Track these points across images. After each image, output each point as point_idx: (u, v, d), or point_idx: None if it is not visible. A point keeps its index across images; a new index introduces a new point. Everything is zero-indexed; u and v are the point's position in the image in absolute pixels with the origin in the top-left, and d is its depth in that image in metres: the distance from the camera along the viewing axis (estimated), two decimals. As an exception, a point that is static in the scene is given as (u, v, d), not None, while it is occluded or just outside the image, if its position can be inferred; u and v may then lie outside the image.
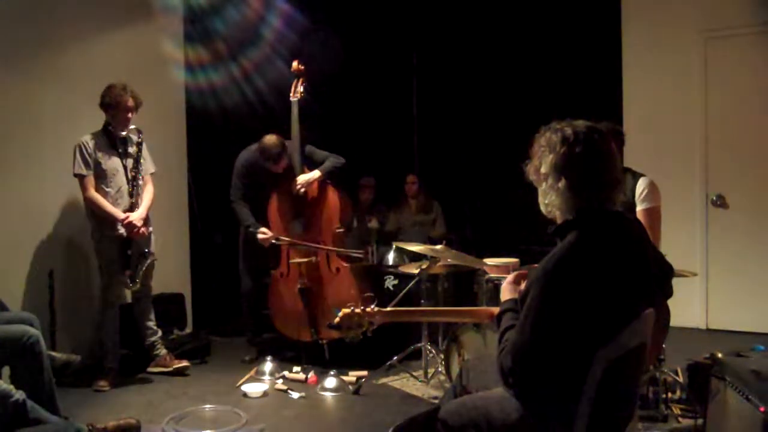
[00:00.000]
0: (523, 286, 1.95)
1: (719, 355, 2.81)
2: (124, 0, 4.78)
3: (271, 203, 4.50)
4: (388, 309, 2.32)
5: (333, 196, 4.41)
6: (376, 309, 2.21)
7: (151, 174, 4.23)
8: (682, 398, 3.47)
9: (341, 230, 4.43)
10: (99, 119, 4.05)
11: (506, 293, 2.03)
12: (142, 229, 3.98)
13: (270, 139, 4.32)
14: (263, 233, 4.35)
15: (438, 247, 3.83)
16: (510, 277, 2.09)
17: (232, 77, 5.56)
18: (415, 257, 4.60)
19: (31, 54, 4.07)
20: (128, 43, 4.72)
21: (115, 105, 3.94)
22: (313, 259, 4.35)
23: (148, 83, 4.44)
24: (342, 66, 5.75)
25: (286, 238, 4.37)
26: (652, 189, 3.35)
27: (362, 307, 2.20)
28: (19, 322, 3.15)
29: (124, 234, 3.96)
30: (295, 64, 4.55)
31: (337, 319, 2.19)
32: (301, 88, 4.48)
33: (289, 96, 4.48)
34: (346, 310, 2.20)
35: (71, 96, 4.28)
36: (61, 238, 4.30)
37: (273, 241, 4.35)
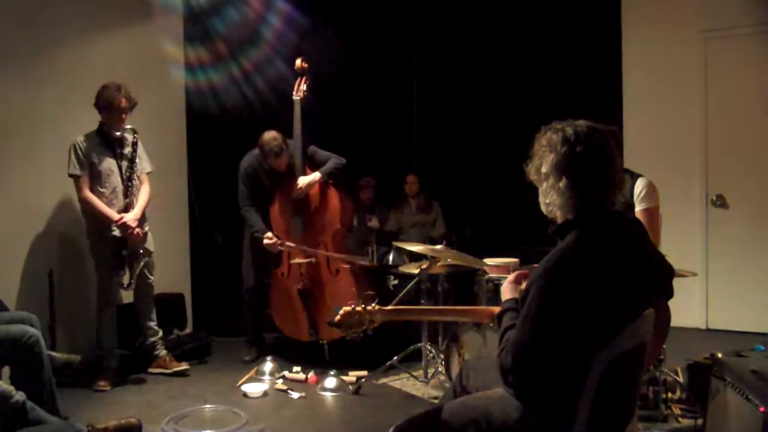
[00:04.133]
0: (524, 285, 1.95)
1: (719, 355, 2.82)
2: (124, 0, 4.78)
3: (273, 203, 4.50)
4: (389, 308, 2.32)
5: (334, 196, 4.41)
6: (376, 307, 2.21)
7: (148, 173, 4.22)
8: (682, 398, 3.46)
9: (342, 229, 4.41)
10: (99, 119, 4.04)
11: (507, 293, 2.03)
12: (137, 229, 3.97)
13: (268, 134, 4.32)
14: (269, 239, 4.34)
15: (438, 247, 3.83)
16: (511, 276, 2.09)
17: (232, 77, 5.56)
18: (415, 257, 4.60)
19: (31, 54, 4.07)
20: (128, 43, 4.72)
21: (108, 106, 3.92)
22: (313, 259, 4.35)
23: (148, 83, 4.44)
24: (342, 66, 5.75)
25: (292, 244, 4.36)
26: (651, 189, 3.34)
27: (363, 306, 2.20)
28: (19, 322, 3.15)
29: (119, 234, 3.96)
30: (298, 62, 4.53)
31: (337, 317, 2.19)
32: (304, 87, 4.47)
33: (290, 95, 4.48)
34: (347, 309, 2.20)
35: (71, 96, 4.27)
36: (61, 238, 4.29)
37: (279, 247, 4.35)
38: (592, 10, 5.63)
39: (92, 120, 4.05)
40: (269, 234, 4.35)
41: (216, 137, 5.45)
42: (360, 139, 5.91)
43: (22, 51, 4.01)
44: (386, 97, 6.51)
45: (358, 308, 2.19)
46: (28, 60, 4.06)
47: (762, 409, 2.30)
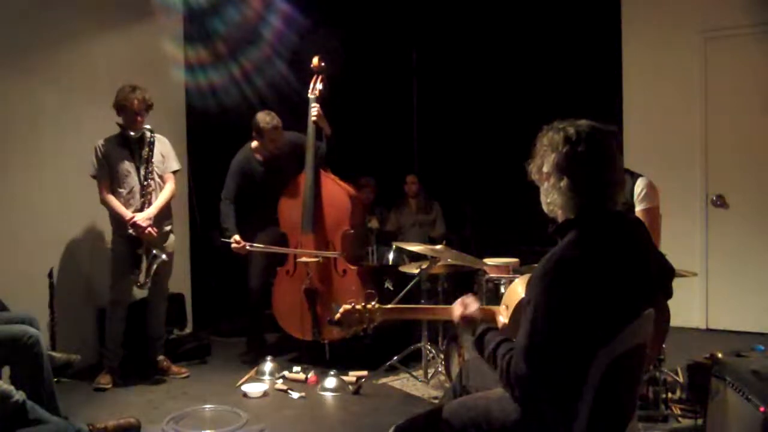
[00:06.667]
0: (471, 308, 2.05)
1: (719, 355, 2.81)
2: (124, 0, 4.78)
3: (282, 203, 4.49)
4: (389, 306, 2.32)
5: (344, 198, 4.38)
6: (376, 306, 2.21)
7: (174, 172, 4.23)
8: (682, 398, 3.47)
9: (350, 231, 4.38)
10: (99, 119, 4.06)
11: (464, 319, 2.07)
12: (149, 229, 3.97)
13: (260, 114, 4.36)
14: (236, 242, 4.29)
15: (438, 247, 3.83)
16: (457, 303, 2.12)
17: (232, 77, 5.55)
18: (415, 257, 4.59)
19: (31, 54, 4.07)
20: (128, 43, 4.72)
21: (122, 107, 3.95)
22: (321, 259, 4.33)
23: (148, 83, 4.42)
24: (342, 65, 5.75)
25: (260, 245, 4.33)
26: (651, 189, 3.34)
27: (363, 304, 2.20)
28: (19, 322, 3.15)
29: (134, 234, 3.97)
30: (315, 60, 4.51)
31: (337, 316, 2.19)
32: (320, 86, 4.45)
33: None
34: (347, 307, 2.20)
35: (71, 96, 4.28)
36: (61, 237, 4.29)
37: (248, 247, 4.31)
38: (592, 10, 5.63)
39: (93, 120, 4.07)
40: (236, 237, 4.30)
41: (216, 137, 5.44)
42: (360, 139, 5.91)
43: (22, 51, 4.01)
44: (386, 97, 6.51)
45: (358, 307, 2.19)
46: (28, 59, 4.06)
47: (762, 409, 2.30)
